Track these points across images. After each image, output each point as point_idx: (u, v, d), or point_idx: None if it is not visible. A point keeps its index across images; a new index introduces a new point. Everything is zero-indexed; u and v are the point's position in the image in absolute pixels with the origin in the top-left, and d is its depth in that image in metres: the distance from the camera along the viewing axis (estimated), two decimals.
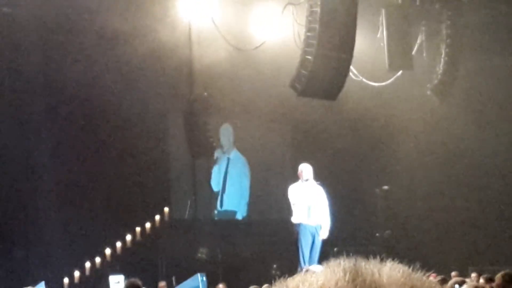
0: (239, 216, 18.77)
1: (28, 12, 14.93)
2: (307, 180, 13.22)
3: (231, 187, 18.74)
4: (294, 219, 13.23)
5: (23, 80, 15.41)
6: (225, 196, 18.64)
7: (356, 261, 1.29)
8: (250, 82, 16.99)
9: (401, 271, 1.28)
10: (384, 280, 1.23)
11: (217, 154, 18.20)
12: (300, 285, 1.25)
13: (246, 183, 18.98)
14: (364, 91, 16.84)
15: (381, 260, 1.33)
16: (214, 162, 18.34)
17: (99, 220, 15.61)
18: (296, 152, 18.17)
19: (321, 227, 13.20)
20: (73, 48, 15.53)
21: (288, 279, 1.33)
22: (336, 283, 1.22)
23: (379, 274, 1.25)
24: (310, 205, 13.14)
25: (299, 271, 12.51)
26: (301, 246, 13.10)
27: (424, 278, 1.28)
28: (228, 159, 18.72)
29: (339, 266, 1.27)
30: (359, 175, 19.03)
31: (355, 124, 18.85)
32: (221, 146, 18.38)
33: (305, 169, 13.29)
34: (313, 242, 13.15)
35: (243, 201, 18.87)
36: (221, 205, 18.64)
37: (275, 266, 16.56)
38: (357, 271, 1.25)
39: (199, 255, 16.11)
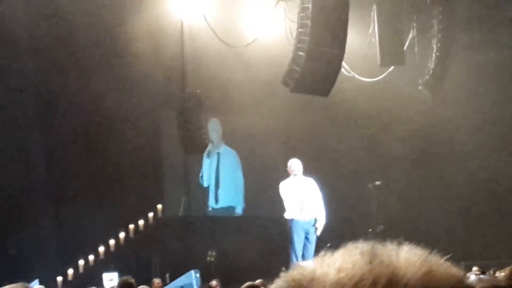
0: (239, 211, 18.72)
1: (20, 12, 14.89)
2: (296, 175, 13.23)
3: (225, 182, 18.67)
4: (287, 215, 13.17)
5: (17, 80, 15.40)
6: (220, 192, 18.58)
7: (373, 244, 1.29)
8: (242, 79, 16.96)
9: (418, 253, 1.28)
10: (402, 262, 1.24)
11: (207, 149, 18.17)
12: (318, 267, 1.25)
13: (239, 175, 18.92)
14: (356, 87, 16.87)
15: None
16: (205, 157, 18.28)
17: (92, 217, 15.60)
18: (288, 148, 18.17)
19: (315, 222, 13.15)
20: (64, 48, 15.50)
21: (305, 263, 1.33)
22: (354, 265, 1.22)
23: (396, 256, 1.26)
24: (302, 200, 13.11)
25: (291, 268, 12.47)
26: (294, 242, 12.95)
27: (441, 261, 1.28)
28: (218, 153, 18.67)
29: (356, 249, 1.27)
30: (351, 170, 19.03)
31: (347, 120, 18.88)
32: (210, 141, 18.34)
33: (294, 164, 13.30)
34: (307, 238, 13.01)
35: (240, 195, 18.81)
36: (217, 202, 18.56)
37: (268, 262, 16.55)
38: (374, 253, 1.25)
39: (193, 252, 16.10)
